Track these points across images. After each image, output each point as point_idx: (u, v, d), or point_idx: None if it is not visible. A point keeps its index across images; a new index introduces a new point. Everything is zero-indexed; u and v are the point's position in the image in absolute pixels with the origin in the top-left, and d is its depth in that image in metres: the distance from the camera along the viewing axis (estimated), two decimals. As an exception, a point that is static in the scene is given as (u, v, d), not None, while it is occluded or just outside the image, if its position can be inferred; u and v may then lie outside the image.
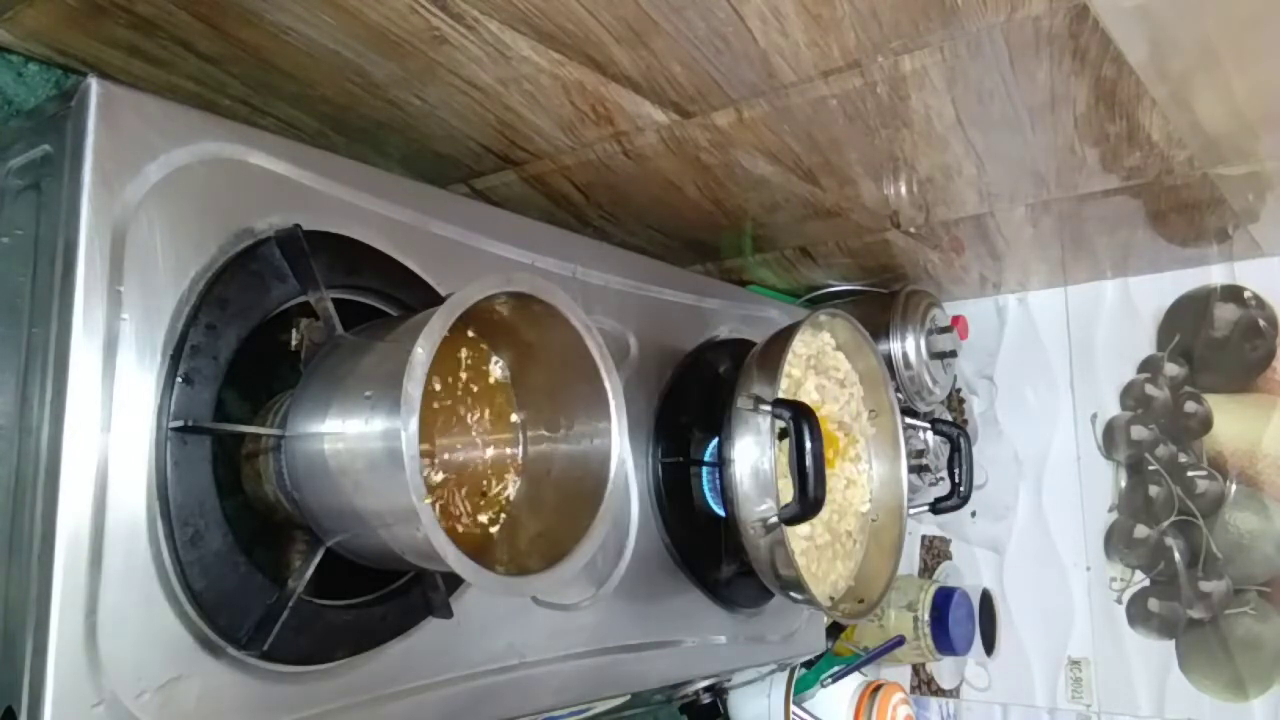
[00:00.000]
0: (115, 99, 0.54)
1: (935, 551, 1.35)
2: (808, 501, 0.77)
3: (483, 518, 0.65)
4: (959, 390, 1.35)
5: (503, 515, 0.66)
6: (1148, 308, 1.22)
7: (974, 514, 1.32)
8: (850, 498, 0.94)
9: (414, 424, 0.50)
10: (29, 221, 0.56)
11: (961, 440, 1.09)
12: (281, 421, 0.58)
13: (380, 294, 0.66)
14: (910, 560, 1.36)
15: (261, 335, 0.59)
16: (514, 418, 0.67)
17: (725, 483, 0.81)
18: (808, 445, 0.76)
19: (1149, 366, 1.22)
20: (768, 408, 0.79)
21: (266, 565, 0.58)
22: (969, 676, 1.30)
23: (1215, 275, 1.18)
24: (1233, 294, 1.17)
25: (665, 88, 0.77)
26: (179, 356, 0.55)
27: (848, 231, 1.09)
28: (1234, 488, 1.15)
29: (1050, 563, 1.26)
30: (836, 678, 1.13)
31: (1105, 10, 0.65)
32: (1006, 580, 1.30)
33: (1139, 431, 1.22)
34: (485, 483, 0.65)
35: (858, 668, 1.16)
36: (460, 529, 0.64)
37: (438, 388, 0.63)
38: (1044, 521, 1.28)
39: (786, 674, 1.08)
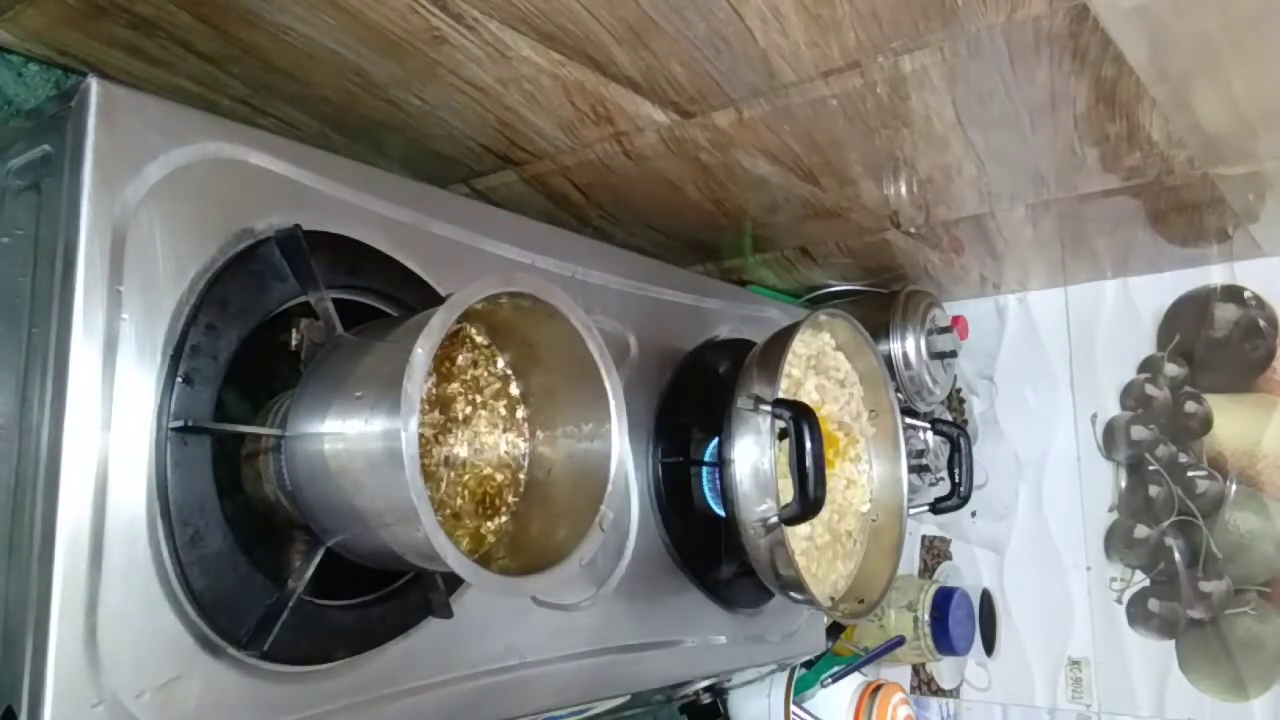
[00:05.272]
0: (115, 99, 0.54)
1: (935, 551, 1.35)
2: (808, 501, 0.77)
3: (483, 518, 0.65)
4: (959, 390, 1.35)
5: (503, 515, 0.66)
6: (1148, 308, 1.22)
7: (974, 514, 1.32)
8: (850, 498, 0.94)
9: (414, 424, 0.50)
10: (29, 221, 0.56)
11: (961, 440, 1.09)
12: (281, 421, 0.58)
13: (380, 294, 0.66)
14: (910, 560, 1.36)
15: (261, 335, 0.59)
16: (519, 413, 0.67)
17: (725, 483, 0.81)
18: (808, 445, 0.76)
19: (1149, 366, 1.22)
20: (768, 408, 0.79)
21: (266, 565, 0.58)
22: (969, 676, 1.30)
23: (1215, 275, 1.18)
24: (1233, 294, 1.17)
25: (665, 88, 0.77)
26: (179, 356, 0.55)
27: (848, 231, 1.09)
28: (1234, 488, 1.15)
29: (1050, 563, 1.26)
30: (836, 678, 1.13)
31: (1105, 10, 0.65)
32: (1006, 580, 1.30)
33: (1139, 431, 1.22)
34: (486, 483, 0.65)
35: (858, 668, 1.16)
36: (460, 529, 0.64)
37: (439, 388, 0.63)
38: (1044, 521, 1.28)
39: (786, 674, 1.08)
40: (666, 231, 1.10)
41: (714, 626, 0.90)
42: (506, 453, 0.66)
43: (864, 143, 0.86)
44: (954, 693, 1.31)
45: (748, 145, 0.86)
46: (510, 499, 0.66)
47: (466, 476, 0.64)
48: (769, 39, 0.69)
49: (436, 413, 0.62)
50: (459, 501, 0.64)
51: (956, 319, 1.26)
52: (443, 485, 0.63)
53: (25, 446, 0.52)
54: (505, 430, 0.66)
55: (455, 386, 0.64)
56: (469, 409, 0.64)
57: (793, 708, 1.07)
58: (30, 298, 0.54)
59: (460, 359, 0.64)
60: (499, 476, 0.66)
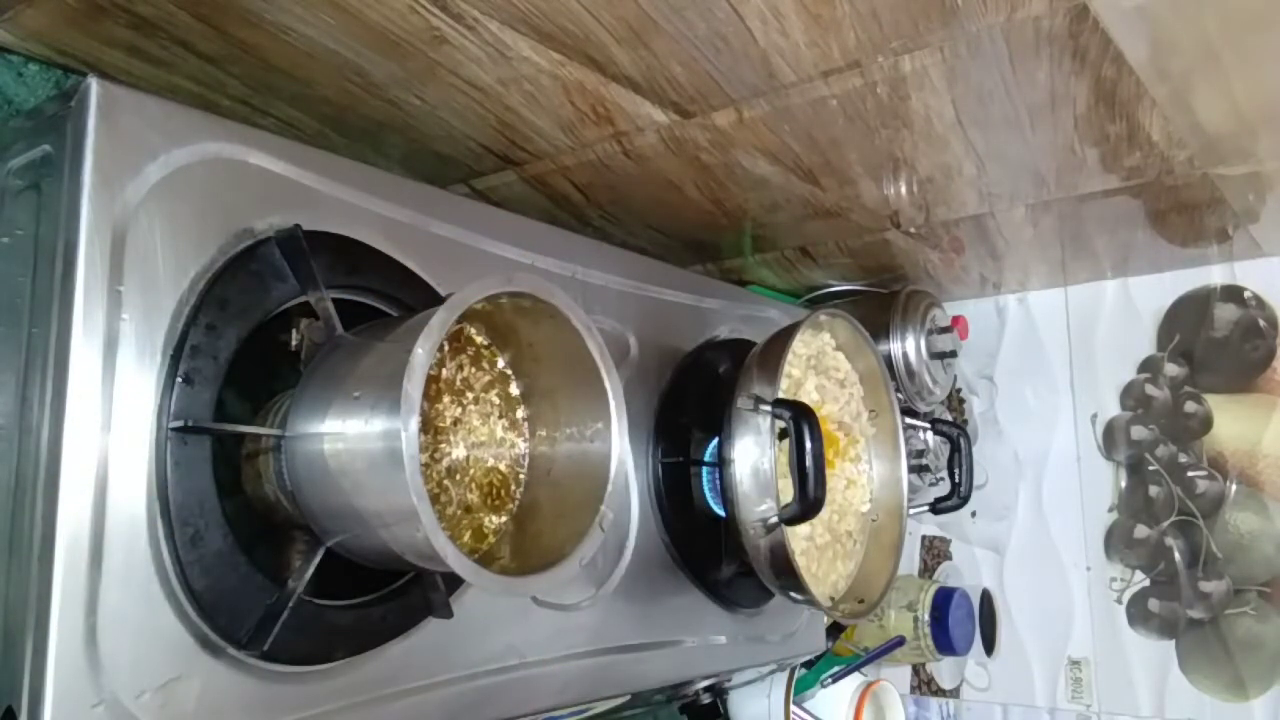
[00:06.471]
0: (115, 99, 0.54)
1: (935, 551, 1.35)
2: (808, 501, 0.77)
3: (483, 518, 0.65)
4: (959, 390, 1.35)
5: (511, 506, 0.66)
6: (1148, 308, 1.22)
7: (974, 514, 1.32)
8: (850, 498, 0.94)
9: (414, 424, 0.50)
10: (29, 221, 0.56)
11: (961, 440, 1.09)
12: (281, 421, 0.58)
13: (380, 294, 0.66)
14: (910, 560, 1.36)
15: (261, 335, 0.59)
16: (520, 413, 0.67)
17: (725, 483, 0.81)
18: (808, 445, 0.76)
19: (1149, 366, 1.22)
20: (768, 408, 0.79)
21: (266, 565, 0.58)
22: (969, 676, 1.30)
23: (1215, 275, 1.18)
24: (1233, 294, 1.17)
25: (665, 88, 0.77)
26: (179, 356, 0.55)
27: (848, 231, 1.09)
28: (1234, 488, 1.15)
29: (1050, 563, 1.26)
30: (836, 678, 1.13)
31: (1105, 10, 0.65)
32: (1006, 580, 1.30)
33: (1139, 431, 1.22)
34: (486, 482, 0.65)
35: (858, 668, 1.16)
36: (468, 521, 0.64)
37: (439, 388, 0.63)
38: (1044, 521, 1.28)
39: (786, 674, 1.08)
40: (666, 231, 1.10)
41: (714, 626, 0.90)
42: (507, 452, 0.66)
43: (864, 143, 0.86)
44: (954, 693, 1.31)
45: (748, 145, 0.86)
46: (515, 490, 0.66)
47: (472, 471, 0.64)
48: (769, 39, 0.69)
49: (422, 435, 0.62)
50: (470, 496, 0.64)
51: (956, 319, 1.27)
52: (453, 495, 0.63)
53: (25, 446, 0.52)
54: (500, 417, 0.66)
55: (446, 400, 0.63)
56: (459, 410, 0.64)
57: (793, 708, 1.07)
58: (30, 298, 0.54)
59: (444, 372, 0.64)
60: (502, 466, 0.66)
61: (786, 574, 0.80)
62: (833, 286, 1.28)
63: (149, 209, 0.54)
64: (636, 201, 1.00)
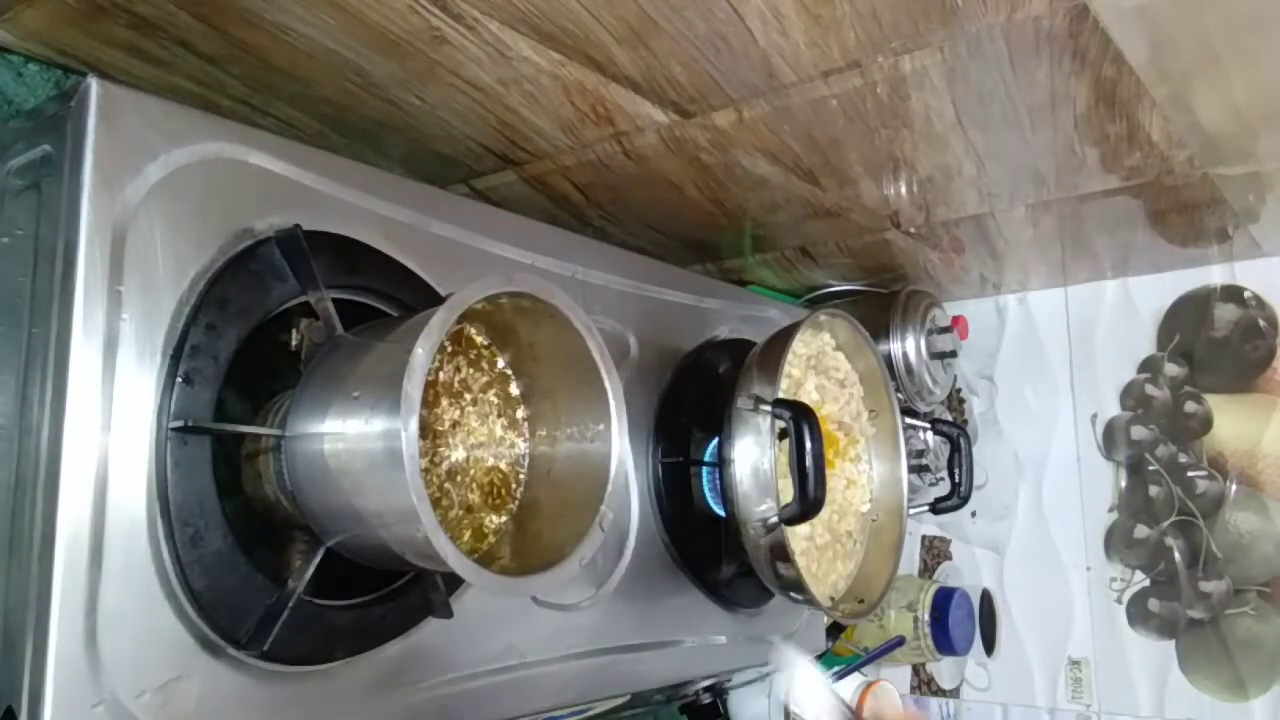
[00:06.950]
0: (115, 99, 0.54)
1: (935, 551, 1.35)
2: (808, 501, 0.77)
3: (484, 517, 0.65)
4: (959, 390, 1.35)
5: (503, 515, 0.66)
6: (1148, 308, 1.22)
7: (974, 514, 1.32)
8: (850, 498, 0.94)
9: (414, 424, 0.50)
10: (29, 221, 0.56)
11: (961, 440, 1.09)
12: (281, 421, 0.58)
13: (380, 294, 0.66)
14: (910, 560, 1.36)
15: (261, 335, 0.59)
16: (520, 413, 0.67)
17: (725, 483, 0.81)
18: (808, 445, 0.76)
19: (1149, 366, 1.22)
20: (768, 408, 0.79)
21: (266, 565, 0.58)
22: (969, 676, 1.30)
23: (1215, 275, 1.18)
24: (1233, 294, 1.17)
25: (665, 88, 0.77)
26: (179, 356, 0.55)
27: (848, 231, 1.09)
28: (1234, 488, 1.15)
29: (1050, 563, 1.26)
30: (837, 678, 1.13)
31: (1105, 10, 0.65)
32: (1006, 580, 1.30)
33: (1139, 431, 1.22)
34: (486, 481, 0.65)
35: (858, 668, 1.16)
36: (468, 521, 0.64)
37: (436, 392, 0.63)
38: (1044, 521, 1.28)
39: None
40: (666, 231, 1.10)
41: (714, 626, 0.90)
42: (507, 452, 0.66)
43: (864, 143, 0.86)
44: (954, 693, 1.31)
45: (748, 145, 0.86)
46: (515, 489, 0.66)
47: (472, 471, 0.64)
48: (769, 39, 0.69)
49: (421, 440, 0.61)
50: (470, 496, 0.64)
51: (956, 319, 1.26)
52: (454, 498, 0.63)
53: (25, 446, 0.52)
54: (499, 416, 0.66)
55: (444, 404, 0.63)
56: (457, 413, 0.64)
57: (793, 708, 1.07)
58: (30, 298, 0.54)
59: (442, 376, 0.64)
60: (503, 465, 0.66)
61: (786, 574, 0.80)
62: (833, 286, 1.28)
63: (149, 209, 0.54)
64: (636, 201, 1.00)
